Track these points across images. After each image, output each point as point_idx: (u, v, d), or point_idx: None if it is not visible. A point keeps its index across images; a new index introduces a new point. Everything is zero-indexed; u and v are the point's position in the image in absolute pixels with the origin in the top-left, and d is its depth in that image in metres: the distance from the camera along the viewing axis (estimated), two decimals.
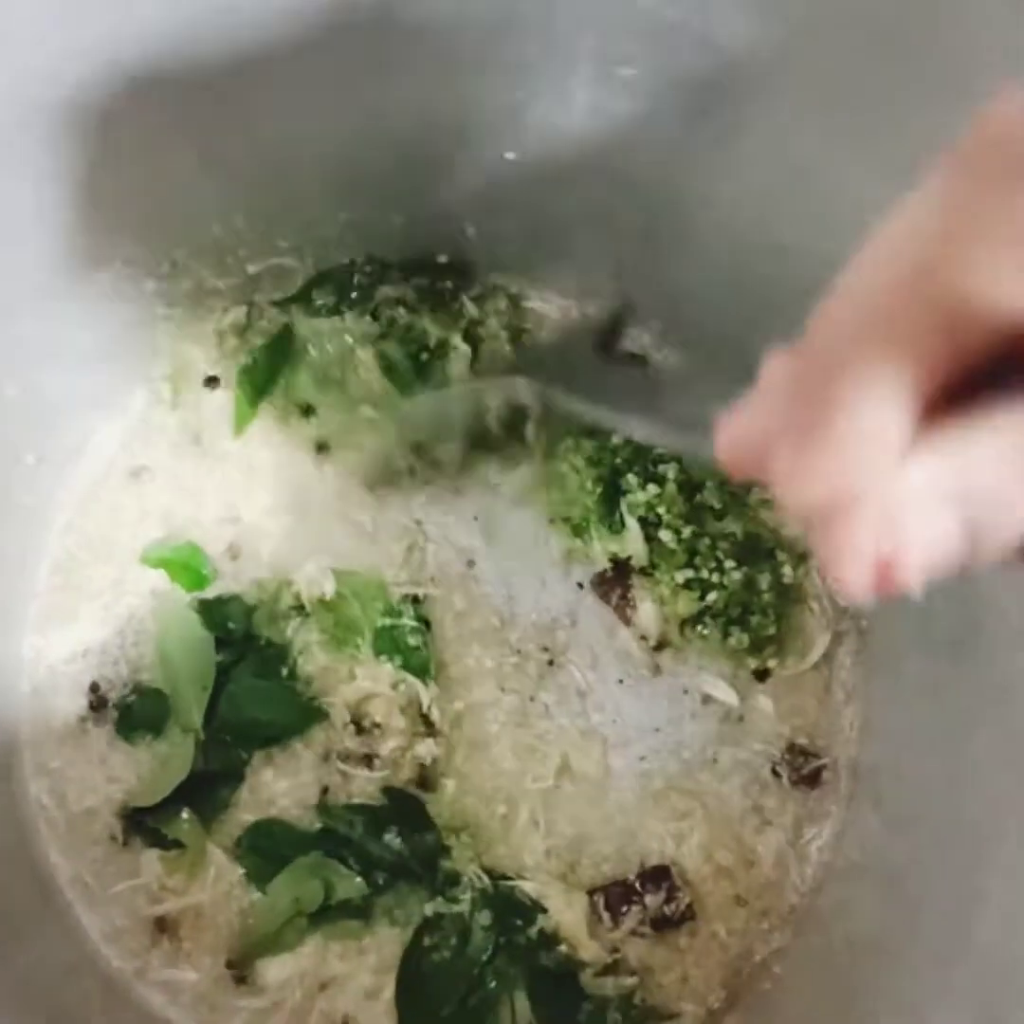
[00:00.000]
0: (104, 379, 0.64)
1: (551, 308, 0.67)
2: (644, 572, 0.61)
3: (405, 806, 0.60)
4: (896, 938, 0.49)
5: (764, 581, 0.60)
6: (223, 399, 0.65)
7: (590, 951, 0.58)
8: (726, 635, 0.60)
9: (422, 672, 0.61)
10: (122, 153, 0.50)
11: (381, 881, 0.58)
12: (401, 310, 0.63)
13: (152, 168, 0.52)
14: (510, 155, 0.55)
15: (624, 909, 0.58)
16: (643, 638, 0.62)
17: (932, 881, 0.48)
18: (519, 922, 0.58)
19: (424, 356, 0.63)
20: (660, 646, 0.62)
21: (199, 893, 0.59)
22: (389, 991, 0.58)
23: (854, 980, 0.51)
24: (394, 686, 0.60)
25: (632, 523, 0.60)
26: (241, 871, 0.59)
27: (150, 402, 0.66)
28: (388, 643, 0.61)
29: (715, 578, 0.59)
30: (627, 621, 0.62)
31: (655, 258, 0.56)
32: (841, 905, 0.56)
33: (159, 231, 0.57)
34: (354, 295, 0.63)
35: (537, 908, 0.58)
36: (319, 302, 0.63)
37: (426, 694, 0.60)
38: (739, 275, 0.55)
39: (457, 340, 0.63)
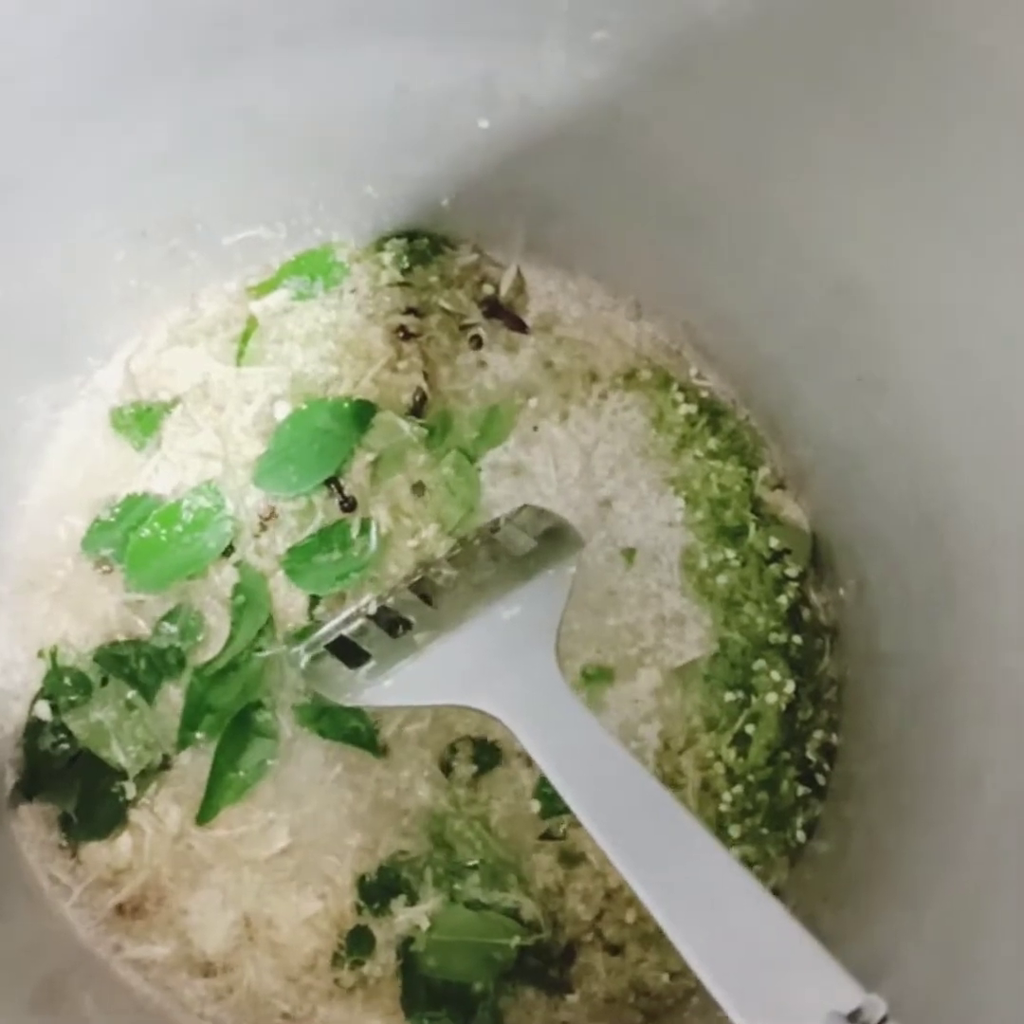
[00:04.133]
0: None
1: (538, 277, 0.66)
2: None
3: None
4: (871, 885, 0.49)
5: None
6: None
7: None
8: None
9: None
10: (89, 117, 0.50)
11: None
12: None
13: (122, 132, 0.52)
14: (483, 123, 0.55)
15: None
16: None
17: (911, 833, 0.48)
18: None
19: None
20: None
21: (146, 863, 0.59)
22: None
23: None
24: None
25: None
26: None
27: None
28: None
29: None
30: None
31: (632, 225, 0.56)
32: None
33: (129, 198, 0.56)
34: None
35: None
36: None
37: None
38: (721, 242, 0.55)
39: None
